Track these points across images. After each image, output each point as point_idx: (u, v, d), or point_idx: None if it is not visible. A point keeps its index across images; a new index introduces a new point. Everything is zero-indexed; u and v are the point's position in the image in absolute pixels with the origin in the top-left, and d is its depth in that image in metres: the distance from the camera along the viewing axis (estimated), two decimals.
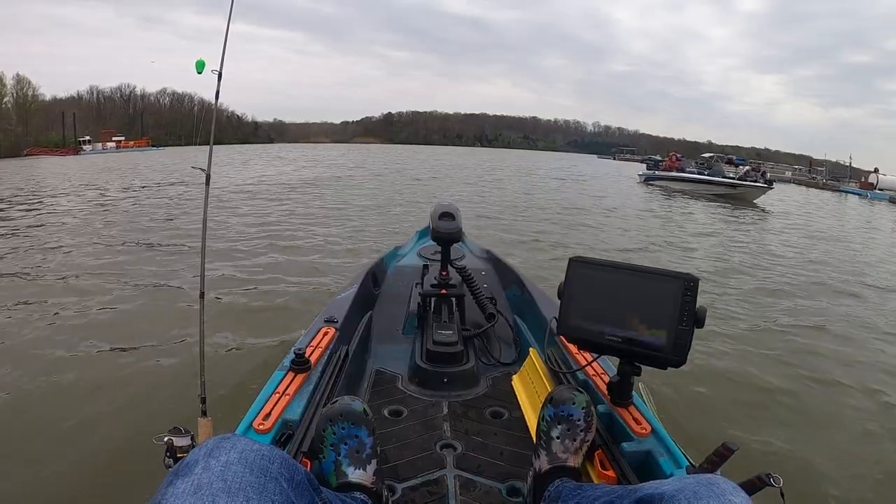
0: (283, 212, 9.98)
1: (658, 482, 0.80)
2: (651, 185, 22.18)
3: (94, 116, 62.90)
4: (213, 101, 1.83)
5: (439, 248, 2.19)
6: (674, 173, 21.88)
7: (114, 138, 47.90)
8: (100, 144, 44.96)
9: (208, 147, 1.77)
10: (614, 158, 74.56)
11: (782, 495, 0.84)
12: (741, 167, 23.11)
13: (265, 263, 5.80)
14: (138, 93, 77.49)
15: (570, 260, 1.36)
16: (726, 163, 25.78)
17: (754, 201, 17.90)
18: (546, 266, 5.63)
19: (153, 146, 48.88)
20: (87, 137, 44.86)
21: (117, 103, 73.82)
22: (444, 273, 2.15)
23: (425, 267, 2.39)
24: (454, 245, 2.35)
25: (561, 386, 1.31)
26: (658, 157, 25.24)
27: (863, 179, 32.33)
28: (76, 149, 41.70)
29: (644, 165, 29.53)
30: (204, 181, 1.75)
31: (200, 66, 1.74)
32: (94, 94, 72.07)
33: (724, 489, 0.72)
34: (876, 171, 30.24)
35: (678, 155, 26.32)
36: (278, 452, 0.74)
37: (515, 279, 2.50)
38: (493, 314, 2.12)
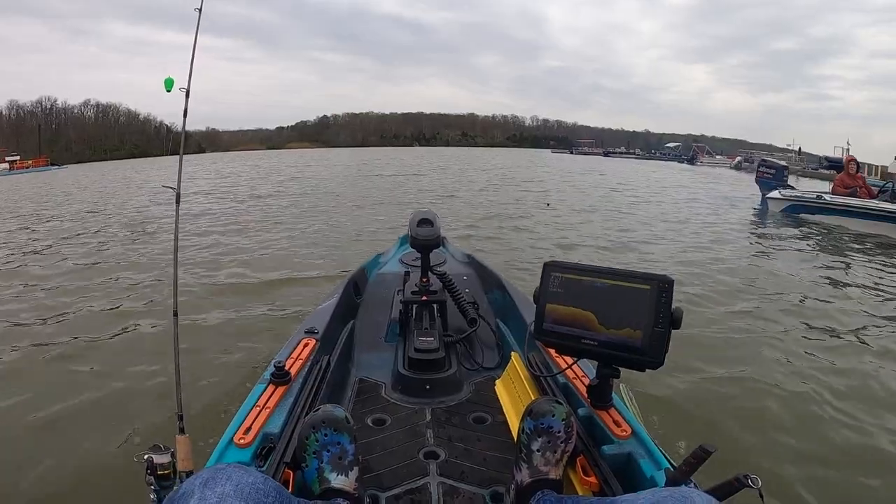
0: None
1: (634, 496, 0.81)
2: (796, 218, 10.42)
3: (14, 133, 58.88)
4: (182, 119, 1.83)
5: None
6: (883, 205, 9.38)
7: (7, 158, 39.77)
8: None
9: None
10: (571, 152, 66.39)
11: (761, 496, 0.83)
12: None
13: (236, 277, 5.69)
14: (60, 105, 73.56)
15: (545, 264, 1.37)
16: None
17: None
18: None
19: (53, 165, 43.29)
20: None
21: (39, 118, 69.53)
22: (424, 279, 2.16)
23: (406, 274, 2.40)
24: (436, 251, 2.35)
25: (540, 398, 1.29)
26: (782, 163, 13.14)
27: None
28: None
29: (746, 176, 16.47)
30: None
31: (169, 84, 1.74)
32: (14, 110, 67.79)
33: None
34: None
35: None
36: (272, 484, 0.75)
37: (497, 283, 2.51)
38: (474, 319, 2.13)
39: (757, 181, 12.78)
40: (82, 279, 5.70)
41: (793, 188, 11.58)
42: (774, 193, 11.29)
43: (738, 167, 32.70)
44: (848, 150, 27.79)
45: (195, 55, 1.88)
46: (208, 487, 0.70)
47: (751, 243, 7.91)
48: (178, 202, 1.75)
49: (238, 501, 0.69)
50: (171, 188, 1.76)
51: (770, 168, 12.69)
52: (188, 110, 1.81)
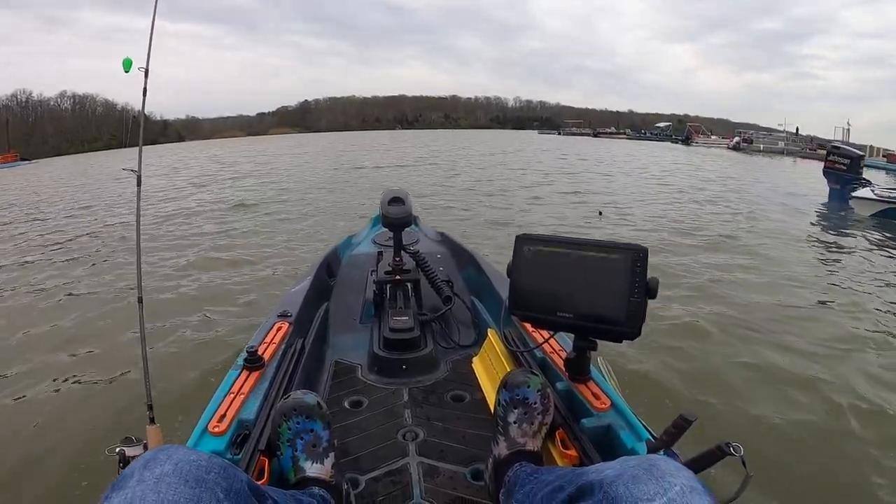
0: None
1: (603, 465, 0.80)
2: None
3: None
4: (141, 98, 1.78)
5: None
6: None
7: None
8: None
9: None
10: (559, 133, 65.03)
11: (744, 464, 0.83)
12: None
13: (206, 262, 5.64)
14: (36, 98, 71.73)
15: (517, 237, 1.35)
16: None
17: None
18: None
19: (24, 160, 39.54)
20: None
21: (15, 112, 67.73)
22: (397, 259, 2.14)
23: (379, 254, 2.37)
24: (408, 230, 2.33)
25: (515, 370, 1.29)
26: (858, 151, 10.05)
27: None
28: None
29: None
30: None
31: (128, 65, 1.71)
32: None
33: (664, 470, 0.71)
34: None
35: None
36: (217, 461, 0.73)
37: (471, 260, 2.50)
38: (449, 297, 2.11)
39: (825, 173, 10.14)
40: (35, 266, 5.70)
41: (870, 182, 9.11)
42: (865, 192, 8.56)
43: (736, 148, 31.86)
44: (848, 130, 26.48)
45: (153, 34, 1.83)
46: (147, 468, 0.67)
47: (841, 273, 5.28)
48: (139, 184, 1.72)
49: (177, 480, 0.66)
50: (133, 171, 1.71)
51: (843, 157, 9.85)
52: (147, 89, 1.76)
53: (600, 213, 8.28)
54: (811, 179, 11.90)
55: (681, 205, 9.55)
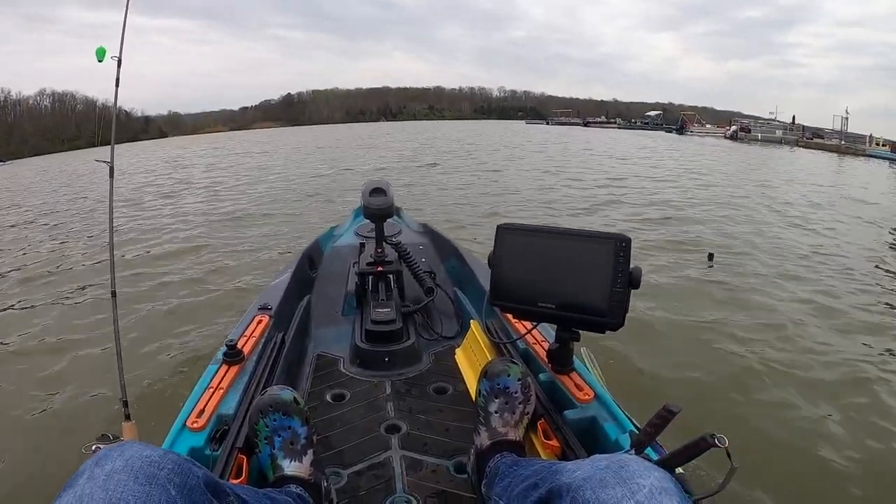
0: None
1: (575, 464, 0.80)
2: None
3: None
4: (114, 89, 1.76)
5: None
6: None
7: None
8: None
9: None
10: (548, 123, 62.76)
11: (728, 455, 0.81)
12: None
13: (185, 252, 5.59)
14: (14, 97, 70.39)
15: (498, 227, 1.33)
16: None
17: None
18: None
19: None
20: None
21: None
22: (379, 250, 2.12)
23: (362, 245, 2.35)
24: (391, 221, 2.32)
25: (495, 359, 1.28)
26: None
27: None
28: None
29: None
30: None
31: (101, 54, 1.70)
32: None
33: (633, 472, 0.70)
34: None
35: None
36: (171, 456, 0.71)
37: (453, 251, 2.49)
38: (431, 288, 2.11)
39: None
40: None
41: None
42: None
43: (733, 137, 31.33)
44: (847, 118, 26.26)
45: (126, 22, 1.81)
46: (98, 466, 0.66)
47: None
48: (112, 175, 1.69)
49: (127, 477, 0.65)
50: (106, 162, 1.68)
51: None
52: (120, 79, 1.74)
53: (710, 258, 5.34)
54: (845, 177, 11.38)
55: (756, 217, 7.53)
